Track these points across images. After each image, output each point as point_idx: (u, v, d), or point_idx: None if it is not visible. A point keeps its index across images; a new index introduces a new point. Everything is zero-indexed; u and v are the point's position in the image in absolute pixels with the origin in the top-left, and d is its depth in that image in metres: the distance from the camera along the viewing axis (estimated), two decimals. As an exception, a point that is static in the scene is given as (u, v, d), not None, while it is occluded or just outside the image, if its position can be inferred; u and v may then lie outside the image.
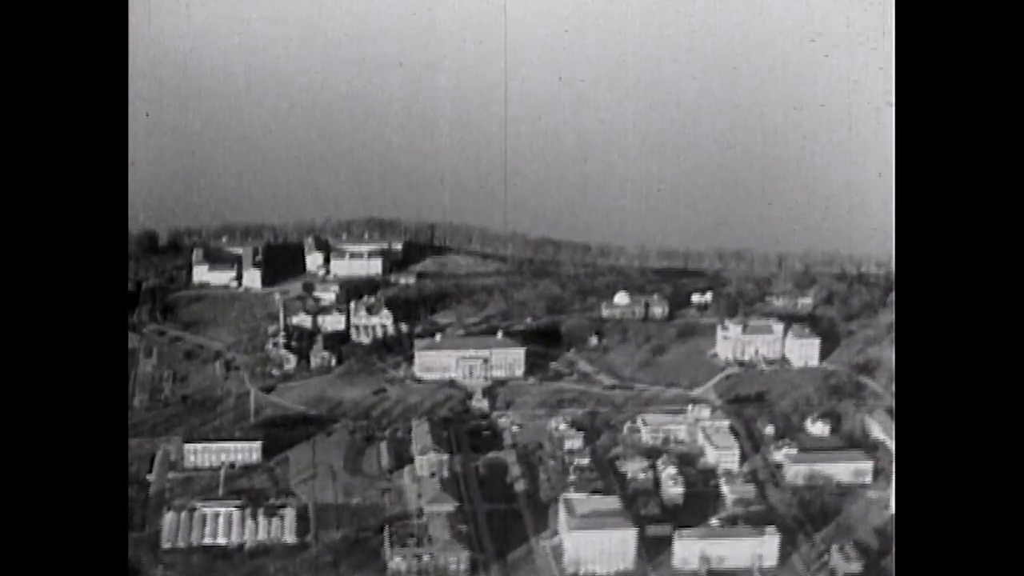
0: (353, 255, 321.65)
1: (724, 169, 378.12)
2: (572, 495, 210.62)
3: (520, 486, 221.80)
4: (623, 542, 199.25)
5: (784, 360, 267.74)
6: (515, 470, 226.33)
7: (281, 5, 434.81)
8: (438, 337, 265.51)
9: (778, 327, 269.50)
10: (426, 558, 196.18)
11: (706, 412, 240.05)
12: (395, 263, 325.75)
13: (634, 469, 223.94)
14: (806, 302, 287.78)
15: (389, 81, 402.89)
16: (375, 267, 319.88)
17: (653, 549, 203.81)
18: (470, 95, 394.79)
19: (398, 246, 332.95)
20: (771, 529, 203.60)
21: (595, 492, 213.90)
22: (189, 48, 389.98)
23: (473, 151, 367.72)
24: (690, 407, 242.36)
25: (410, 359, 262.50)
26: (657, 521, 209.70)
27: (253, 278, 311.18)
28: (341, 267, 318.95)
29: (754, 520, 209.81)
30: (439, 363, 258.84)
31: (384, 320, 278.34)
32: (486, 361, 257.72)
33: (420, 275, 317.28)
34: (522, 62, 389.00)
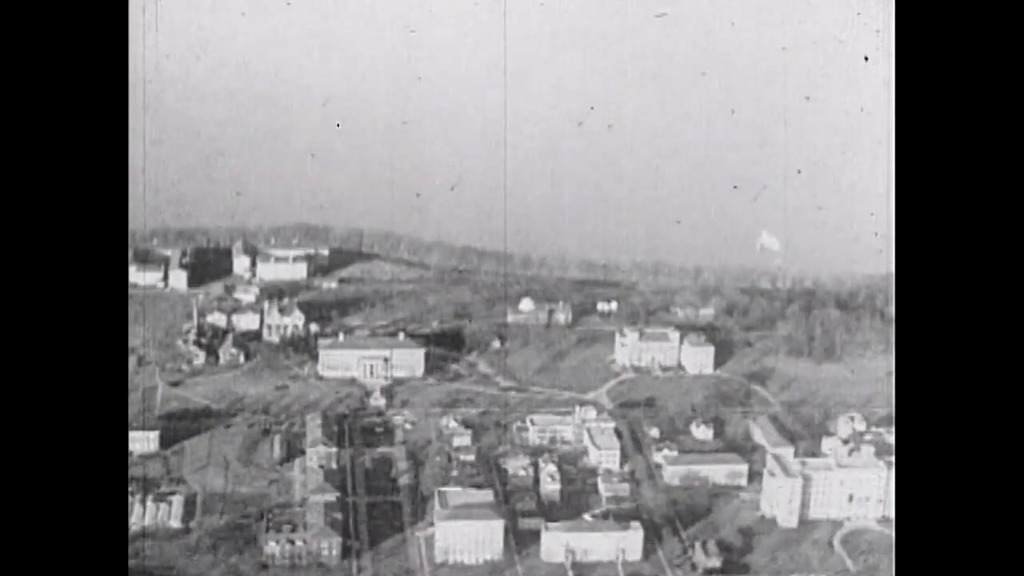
0: (278, 259, 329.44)
1: (655, 185, 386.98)
2: (448, 488, 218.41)
3: (404, 480, 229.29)
4: (491, 533, 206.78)
5: (679, 367, 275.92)
6: (402, 465, 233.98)
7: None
8: (341, 337, 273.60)
9: (674, 335, 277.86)
10: (299, 543, 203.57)
11: (592, 414, 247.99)
12: (320, 268, 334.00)
13: (515, 466, 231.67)
14: (707, 312, 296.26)
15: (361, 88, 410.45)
16: (300, 271, 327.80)
17: (524, 541, 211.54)
18: (423, 106, 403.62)
19: (325, 252, 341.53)
20: (635, 524, 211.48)
21: (474, 486, 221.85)
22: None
23: (411, 162, 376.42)
24: (577, 409, 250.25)
25: (315, 358, 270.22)
26: (532, 516, 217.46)
27: (179, 279, 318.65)
28: (267, 271, 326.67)
29: (625, 517, 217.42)
30: (341, 362, 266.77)
31: (295, 320, 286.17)
32: (386, 361, 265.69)
33: (342, 280, 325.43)
34: (472, 75, 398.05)
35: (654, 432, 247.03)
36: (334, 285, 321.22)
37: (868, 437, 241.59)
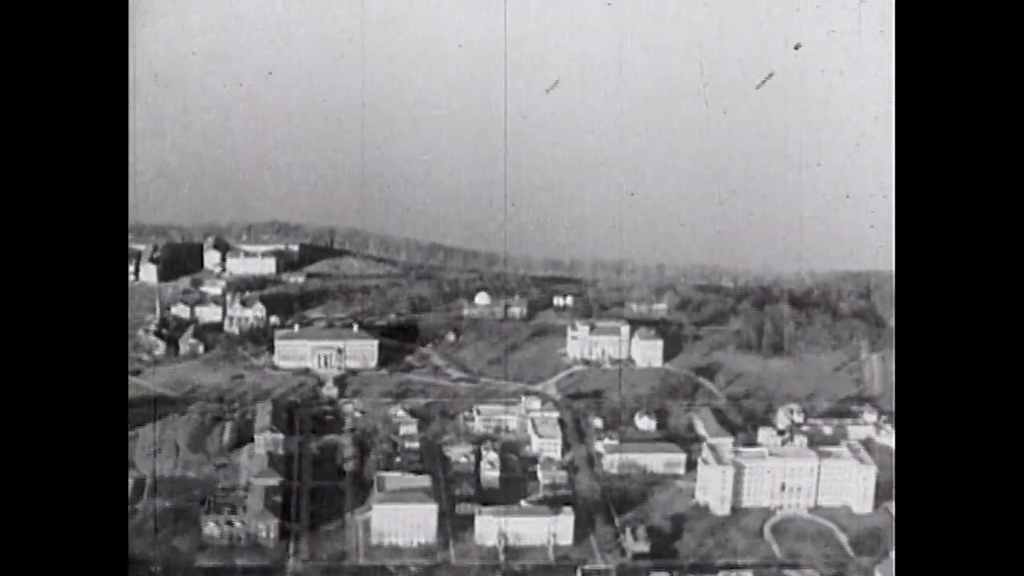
0: (248, 255, 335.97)
1: (623, 183, 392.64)
2: (387, 474, 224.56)
3: (349, 466, 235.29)
4: (424, 516, 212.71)
5: (629, 360, 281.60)
6: (348, 452, 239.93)
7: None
8: (296, 328, 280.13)
9: (625, 329, 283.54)
10: (238, 525, 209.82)
11: (536, 404, 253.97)
12: (290, 264, 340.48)
13: (458, 454, 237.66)
14: (660, 308, 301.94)
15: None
16: (269, 266, 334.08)
17: (459, 526, 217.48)
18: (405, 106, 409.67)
19: (296, 248, 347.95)
20: (567, 510, 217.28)
21: (415, 473, 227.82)
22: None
23: (385, 161, 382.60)
24: (523, 399, 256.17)
25: (272, 348, 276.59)
26: (471, 501, 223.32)
27: (149, 273, 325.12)
28: (236, 266, 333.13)
29: (562, 503, 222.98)
30: (296, 352, 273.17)
31: (257, 313, 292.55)
32: (340, 352, 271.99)
33: (310, 275, 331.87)
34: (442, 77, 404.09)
35: (598, 423, 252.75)
36: (301, 280, 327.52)
37: (805, 428, 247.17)
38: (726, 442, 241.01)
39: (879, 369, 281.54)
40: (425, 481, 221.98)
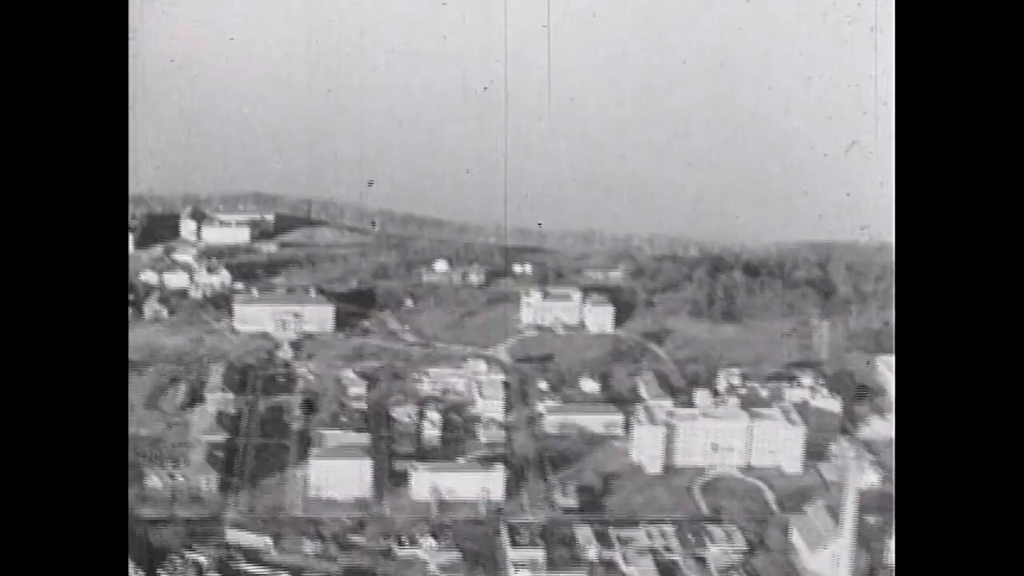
0: (223, 224, 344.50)
1: (602, 157, 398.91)
2: (327, 431, 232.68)
3: (296, 425, 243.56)
4: (360, 471, 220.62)
5: (581, 326, 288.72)
6: (297, 411, 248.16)
7: None
8: (255, 292, 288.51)
9: (577, 295, 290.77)
10: (180, 478, 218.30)
11: (483, 366, 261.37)
12: (265, 233, 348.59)
13: (401, 414, 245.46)
14: (616, 275, 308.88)
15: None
16: (243, 235, 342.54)
17: (396, 482, 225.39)
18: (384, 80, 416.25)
19: (271, 218, 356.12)
20: (499, 466, 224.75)
21: (358, 431, 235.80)
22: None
23: (362, 134, 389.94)
24: (470, 362, 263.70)
25: (232, 313, 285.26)
26: (410, 459, 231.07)
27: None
28: (211, 235, 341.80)
29: (499, 461, 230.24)
30: (255, 317, 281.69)
31: (222, 279, 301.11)
32: (297, 316, 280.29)
33: (283, 244, 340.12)
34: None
35: (543, 385, 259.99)
36: (273, 248, 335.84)
37: (743, 391, 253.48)
38: (666, 404, 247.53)
39: (827, 335, 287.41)
40: (364, 438, 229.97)
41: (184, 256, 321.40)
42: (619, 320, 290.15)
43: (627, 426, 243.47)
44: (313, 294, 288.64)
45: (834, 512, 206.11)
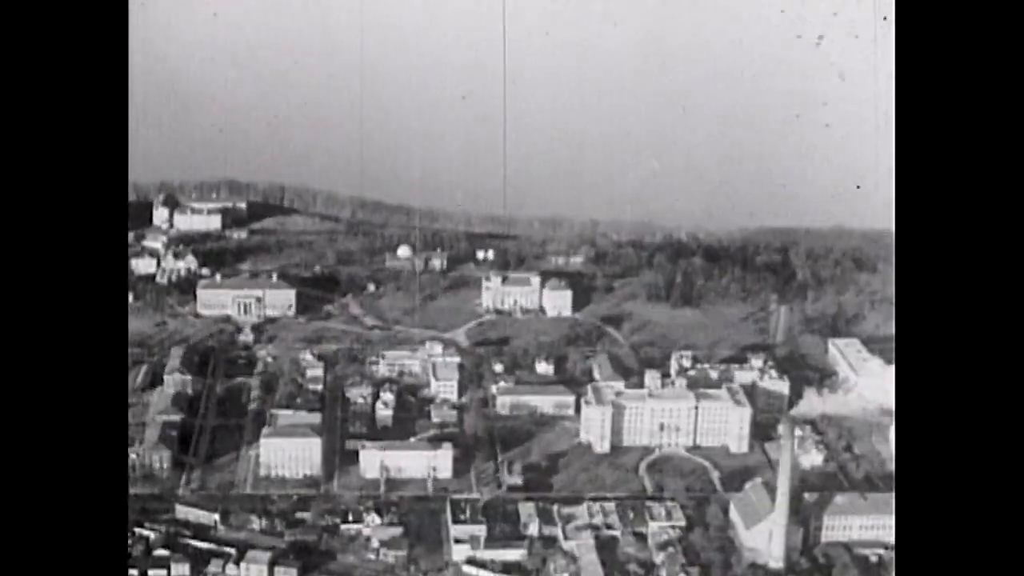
0: (195, 211, 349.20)
1: (567, 143, 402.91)
2: (280, 411, 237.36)
3: (253, 406, 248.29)
4: (308, 450, 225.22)
5: (540, 310, 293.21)
6: (255, 393, 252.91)
7: None
8: (218, 277, 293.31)
9: (536, 280, 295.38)
10: (133, 456, 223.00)
11: (439, 349, 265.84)
12: (237, 220, 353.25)
13: (356, 394, 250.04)
14: (577, 260, 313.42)
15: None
16: (215, 223, 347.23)
17: (348, 460, 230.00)
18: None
19: (243, 205, 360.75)
20: (447, 445, 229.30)
21: (311, 410, 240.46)
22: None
23: (332, 121, 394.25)
24: (426, 344, 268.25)
25: (196, 298, 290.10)
26: (362, 438, 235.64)
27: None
28: (183, 222, 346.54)
29: (449, 440, 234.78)
30: (218, 301, 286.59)
31: (189, 265, 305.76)
32: (259, 300, 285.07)
33: (253, 231, 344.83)
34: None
35: (498, 367, 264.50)
36: (244, 235, 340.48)
37: (692, 373, 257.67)
38: (618, 385, 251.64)
39: (784, 319, 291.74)
40: (315, 418, 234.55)
41: (154, 243, 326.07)
42: (579, 304, 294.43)
43: (578, 407, 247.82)
44: (275, 278, 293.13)
45: (772, 490, 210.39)
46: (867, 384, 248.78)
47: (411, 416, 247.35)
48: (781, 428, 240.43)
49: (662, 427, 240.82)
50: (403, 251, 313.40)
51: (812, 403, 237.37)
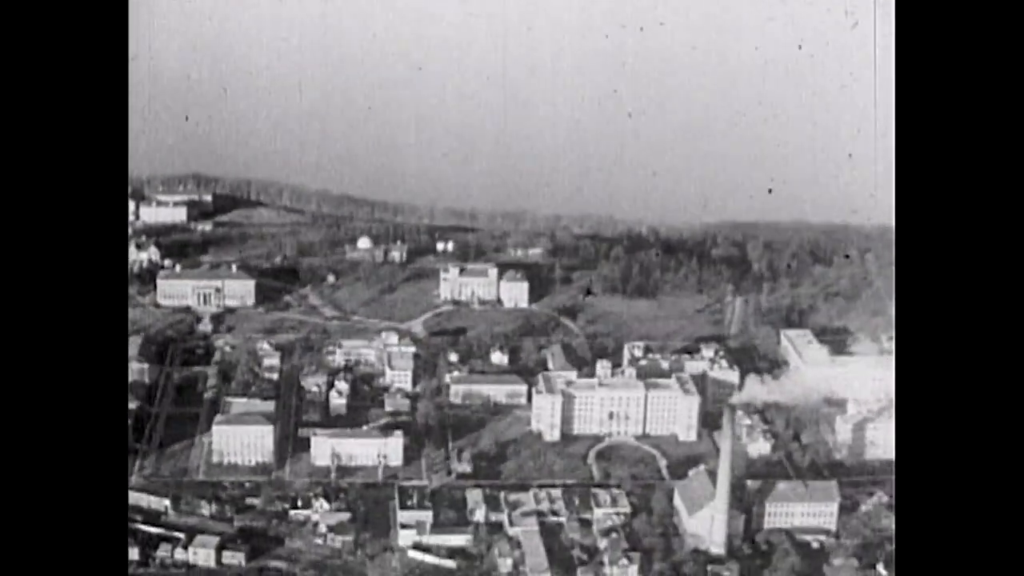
0: (160, 204, 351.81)
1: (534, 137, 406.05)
2: (234, 399, 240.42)
3: (209, 394, 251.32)
4: (261, 437, 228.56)
5: (497, 301, 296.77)
6: (211, 382, 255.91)
7: None
8: (178, 268, 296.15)
9: (493, 271, 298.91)
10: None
11: (394, 339, 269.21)
12: (204, 213, 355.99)
13: (311, 383, 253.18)
14: (535, 252, 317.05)
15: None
16: (180, 215, 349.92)
17: (300, 448, 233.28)
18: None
19: (209, 198, 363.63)
20: (397, 433, 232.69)
21: (266, 398, 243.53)
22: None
23: (298, 114, 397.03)
24: (382, 335, 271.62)
25: (156, 288, 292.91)
26: (315, 426, 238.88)
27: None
28: (149, 214, 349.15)
29: (401, 428, 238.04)
30: (178, 291, 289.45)
31: (151, 256, 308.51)
32: (219, 291, 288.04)
33: (218, 224, 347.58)
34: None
35: (453, 357, 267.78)
36: (209, 228, 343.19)
37: (643, 363, 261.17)
38: (570, 375, 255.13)
39: (740, 311, 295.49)
40: (268, 406, 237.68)
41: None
42: (534, 296, 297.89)
43: (530, 396, 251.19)
44: (234, 269, 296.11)
45: (715, 477, 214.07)
46: (812, 373, 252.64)
47: (365, 405, 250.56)
48: (727, 416, 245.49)
49: (612, 416, 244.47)
50: (363, 243, 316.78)
51: (753, 390, 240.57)
